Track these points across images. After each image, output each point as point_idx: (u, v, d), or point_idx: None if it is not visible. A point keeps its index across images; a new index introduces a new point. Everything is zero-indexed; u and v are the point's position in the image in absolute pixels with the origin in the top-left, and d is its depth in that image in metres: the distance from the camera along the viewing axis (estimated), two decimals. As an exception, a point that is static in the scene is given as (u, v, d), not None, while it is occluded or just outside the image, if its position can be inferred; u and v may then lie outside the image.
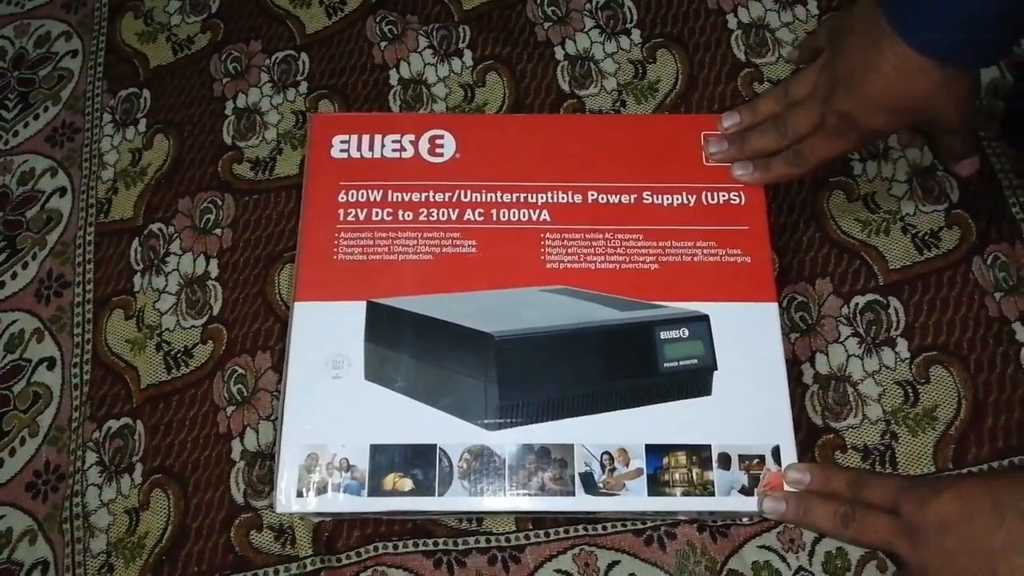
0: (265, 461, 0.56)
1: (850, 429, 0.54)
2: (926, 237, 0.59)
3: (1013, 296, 0.56)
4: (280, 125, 0.68)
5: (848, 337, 0.56)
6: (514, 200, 0.51)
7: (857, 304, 0.57)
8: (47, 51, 0.75)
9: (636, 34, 0.68)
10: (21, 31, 0.76)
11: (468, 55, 0.69)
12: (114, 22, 0.75)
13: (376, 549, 0.53)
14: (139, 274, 0.63)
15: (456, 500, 0.45)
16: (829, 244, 0.59)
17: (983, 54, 0.45)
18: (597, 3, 0.70)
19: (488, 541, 0.53)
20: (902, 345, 0.56)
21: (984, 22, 0.42)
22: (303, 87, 0.69)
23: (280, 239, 0.63)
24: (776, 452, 0.46)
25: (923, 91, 0.46)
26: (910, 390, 0.55)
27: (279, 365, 0.58)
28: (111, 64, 0.73)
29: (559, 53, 0.68)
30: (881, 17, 0.45)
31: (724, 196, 0.52)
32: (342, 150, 0.53)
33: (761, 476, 0.46)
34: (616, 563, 0.53)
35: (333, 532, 0.54)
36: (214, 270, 0.63)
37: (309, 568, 0.53)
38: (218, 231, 0.64)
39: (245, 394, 0.58)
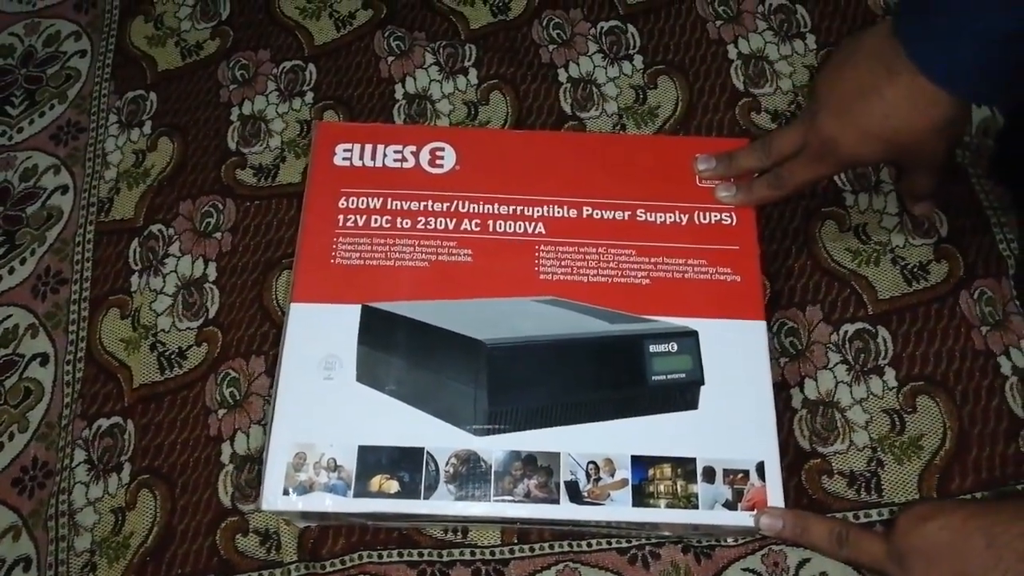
0: (254, 465, 0.56)
1: (837, 455, 0.55)
2: (915, 269, 0.60)
3: (998, 330, 0.57)
4: (285, 133, 0.69)
5: (837, 364, 0.57)
6: (510, 212, 0.52)
7: (846, 332, 0.58)
8: (56, 50, 0.76)
9: (638, 60, 0.70)
10: (31, 29, 0.77)
11: (473, 73, 0.70)
12: (124, 24, 0.76)
13: (360, 557, 0.53)
14: (137, 274, 0.64)
15: (441, 504, 0.46)
16: (820, 272, 0.60)
17: (1003, 88, 0.44)
18: (601, 28, 0.71)
19: (473, 554, 0.53)
20: (890, 374, 0.57)
21: (1008, 53, 0.41)
22: (309, 97, 0.70)
23: (280, 245, 0.63)
24: (760, 468, 0.47)
25: (924, 125, 0.45)
26: (897, 419, 0.55)
27: (272, 370, 0.58)
28: (119, 66, 0.74)
29: (562, 75, 0.70)
30: (897, 45, 0.44)
31: (716, 216, 0.53)
32: (344, 158, 0.53)
33: (745, 491, 0.46)
34: (600, 580, 0.53)
35: (318, 539, 0.54)
36: (212, 273, 0.63)
37: (293, 574, 0.53)
38: (218, 235, 0.65)
39: (237, 398, 0.58)
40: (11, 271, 0.65)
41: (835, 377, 0.57)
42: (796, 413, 0.56)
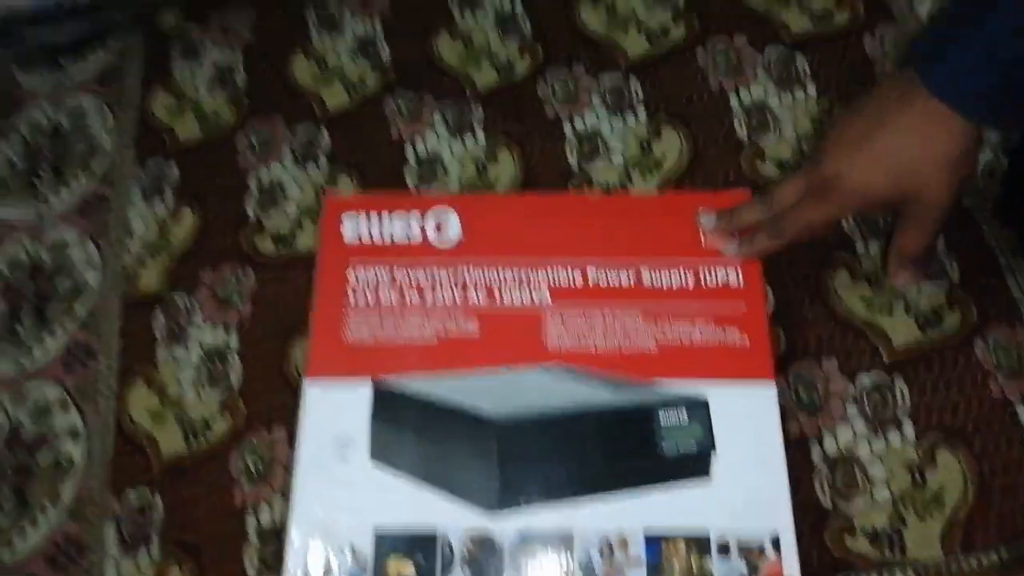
0: (277, 538, 0.57)
1: (859, 512, 0.54)
2: (928, 317, 0.59)
3: (1016, 379, 0.57)
4: (301, 200, 0.71)
5: (855, 417, 0.57)
6: (516, 280, 0.53)
7: (863, 384, 0.58)
8: (81, 124, 0.79)
9: (642, 112, 0.71)
10: (57, 105, 0.80)
11: (480, 132, 0.72)
12: (146, 96, 0.79)
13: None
14: (162, 345, 0.66)
15: None
16: (834, 322, 0.60)
17: (1017, 113, 0.44)
18: (604, 82, 0.72)
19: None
20: (908, 426, 0.56)
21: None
22: (323, 162, 0.72)
23: (299, 312, 0.64)
24: (776, 541, 0.47)
25: (935, 155, 0.44)
26: (917, 472, 0.55)
27: (294, 439, 0.60)
28: (142, 137, 0.77)
29: (568, 129, 0.71)
30: (912, 75, 0.44)
31: (722, 275, 0.53)
32: (352, 232, 0.55)
33: (760, 566, 0.46)
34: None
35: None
36: (234, 342, 0.65)
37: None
38: (239, 303, 0.66)
39: (260, 468, 0.60)
40: (42, 346, 0.67)
41: (853, 431, 0.57)
42: (816, 469, 0.56)
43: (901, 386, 0.57)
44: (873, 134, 0.46)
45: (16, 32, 0.78)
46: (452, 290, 0.52)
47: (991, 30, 0.41)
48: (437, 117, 0.73)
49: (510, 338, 0.51)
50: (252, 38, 0.81)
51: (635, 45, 0.74)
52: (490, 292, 0.52)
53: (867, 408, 0.57)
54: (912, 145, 0.45)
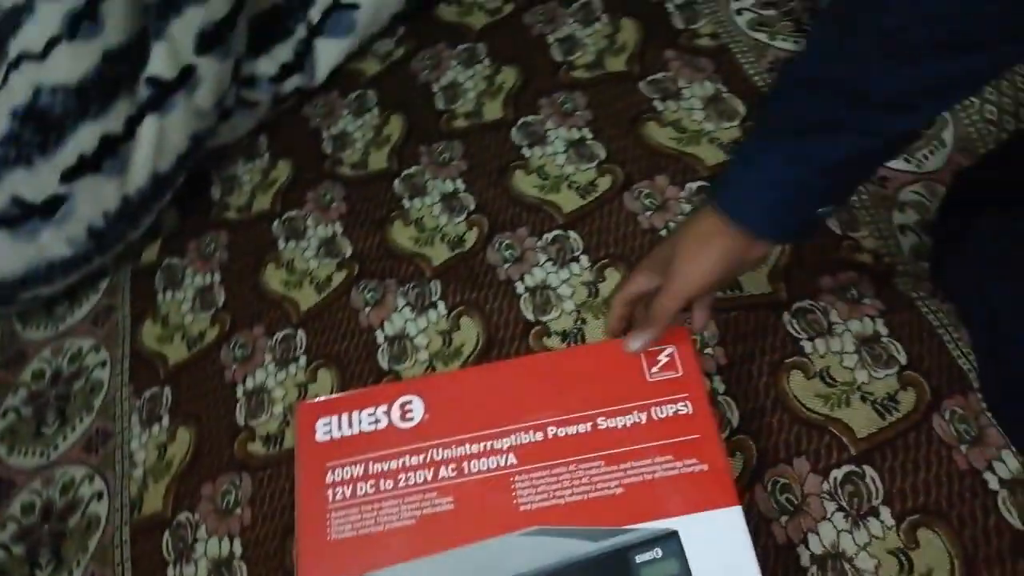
0: None
1: (857, 608, 0.55)
2: (885, 402, 0.62)
3: (978, 446, 0.59)
4: (285, 399, 0.75)
5: (834, 512, 0.59)
6: (482, 449, 0.55)
7: (836, 478, 0.60)
8: (79, 366, 0.85)
9: (584, 259, 0.76)
10: (56, 351, 0.87)
11: (442, 305, 0.77)
12: (136, 329, 0.86)
13: None
14: (171, 566, 0.68)
15: None
16: (798, 423, 0.63)
17: (789, 226, 0.53)
18: (547, 239, 0.79)
19: None
20: (885, 513, 0.58)
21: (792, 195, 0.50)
22: (303, 361, 0.77)
23: (294, 509, 0.68)
24: None
25: (698, 236, 0.53)
26: (903, 557, 0.56)
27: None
28: (135, 368, 0.83)
29: (520, 287, 0.76)
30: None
31: (672, 408, 0.56)
32: (325, 432, 0.58)
33: None
34: None
35: None
36: (238, 549, 0.67)
37: None
38: (238, 511, 0.69)
39: (275, 674, 0.61)
40: (59, 588, 0.70)
41: (835, 527, 0.58)
42: (807, 572, 0.57)
43: (872, 474, 0.59)
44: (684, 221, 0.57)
45: (12, 293, 0.85)
46: (423, 471, 0.55)
47: (766, 162, 0.51)
48: (400, 300, 0.79)
49: (484, 505, 0.53)
50: (227, 257, 0.89)
51: (569, 201, 0.81)
52: (459, 465, 0.55)
53: (843, 502, 0.59)
54: (689, 225, 0.54)
